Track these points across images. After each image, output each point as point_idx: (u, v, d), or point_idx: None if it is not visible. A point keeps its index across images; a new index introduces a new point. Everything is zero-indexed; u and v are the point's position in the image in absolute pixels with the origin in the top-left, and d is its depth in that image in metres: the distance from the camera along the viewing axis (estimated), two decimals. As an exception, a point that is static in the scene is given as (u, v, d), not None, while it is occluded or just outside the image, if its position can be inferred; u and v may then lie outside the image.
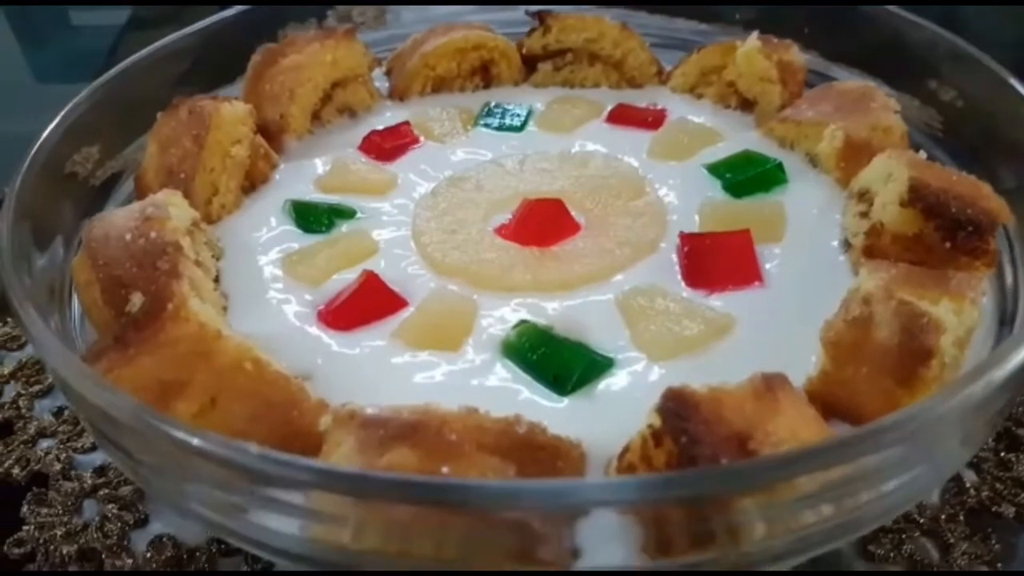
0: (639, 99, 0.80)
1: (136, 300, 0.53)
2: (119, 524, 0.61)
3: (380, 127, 0.76)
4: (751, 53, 0.74)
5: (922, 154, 0.61)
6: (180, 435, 0.40)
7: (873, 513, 0.43)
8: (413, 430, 0.44)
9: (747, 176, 0.67)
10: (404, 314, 0.58)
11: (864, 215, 0.60)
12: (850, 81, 0.72)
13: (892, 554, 0.58)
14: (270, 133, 0.74)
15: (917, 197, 0.55)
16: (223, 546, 0.59)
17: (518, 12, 0.85)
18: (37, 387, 0.72)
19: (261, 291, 0.60)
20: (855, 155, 0.65)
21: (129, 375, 0.48)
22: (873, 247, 0.58)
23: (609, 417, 0.50)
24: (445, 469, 0.42)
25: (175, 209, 0.60)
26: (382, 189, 0.70)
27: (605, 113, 0.79)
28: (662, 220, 0.65)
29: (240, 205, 0.69)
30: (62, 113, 0.65)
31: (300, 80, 0.74)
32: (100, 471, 0.65)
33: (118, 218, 0.58)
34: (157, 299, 0.50)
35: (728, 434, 0.42)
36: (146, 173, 0.67)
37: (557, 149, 0.73)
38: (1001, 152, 0.64)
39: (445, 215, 0.66)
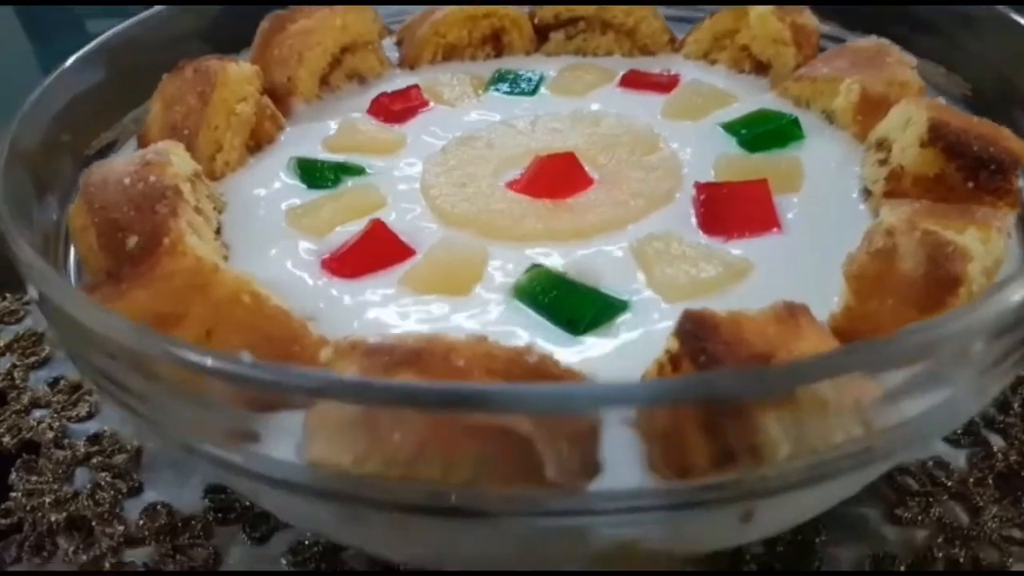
0: (652, 66, 0.79)
1: (132, 243, 0.52)
2: (112, 492, 0.59)
3: (389, 91, 0.75)
4: (765, 14, 0.73)
5: (940, 100, 0.60)
6: (188, 354, 0.38)
7: (897, 438, 0.41)
8: (418, 356, 0.42)
9: (763, 130, 0.66)
10: (411, 262, 0.56)
11: (883, 162, 0.59)
12: (865, 39, 0.70)
13: (920, 517, 0.56)
14: (277, 96, 0.72)
15: (938, 136, 0.53)
16: (219, 514, 0.57)
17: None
18: (33, 358, 0.71)
19: (263, 241, 0.59)
20: (872, 109, 0.64)
21: (122, 308, 0.46)
22: (894, 191, 0.56)
23: (624, 357, 0.48)
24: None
25: (176, 158, 0.59)
26: (391, 148, 0.69)
27: (617, 78, 0.77)
28: (677, 174, 0.63)
29: (244, 163, 0.67)
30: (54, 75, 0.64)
31: (309, 44, 0.73)
32: (94, 439, 0.64)
33: (117, 164, 0.57)
34: (153, 235, 0.48)
35: (749, 355, 0.40)
36: (149, 131, 0.66)
37: (569, 111, 0.72)
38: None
39: (455, 170, 0.64)
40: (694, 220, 0.59)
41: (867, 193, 0.60)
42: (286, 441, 0.40)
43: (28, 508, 0.58)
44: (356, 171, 0.66)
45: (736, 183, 0.60)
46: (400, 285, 0.54)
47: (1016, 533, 0.55)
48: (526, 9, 0.82)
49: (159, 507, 0.58)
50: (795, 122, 0.66)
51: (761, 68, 0.76)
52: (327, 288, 0.54)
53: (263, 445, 0.41)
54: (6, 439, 0.63)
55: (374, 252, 0.56)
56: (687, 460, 0.39)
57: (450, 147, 0.67)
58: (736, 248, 0.56)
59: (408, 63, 0.81)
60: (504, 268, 0.55)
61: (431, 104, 0.75)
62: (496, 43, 0.82)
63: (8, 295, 0.78)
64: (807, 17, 0.74)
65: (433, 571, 0.56)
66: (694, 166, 0.64)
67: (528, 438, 0.38)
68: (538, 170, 0.62)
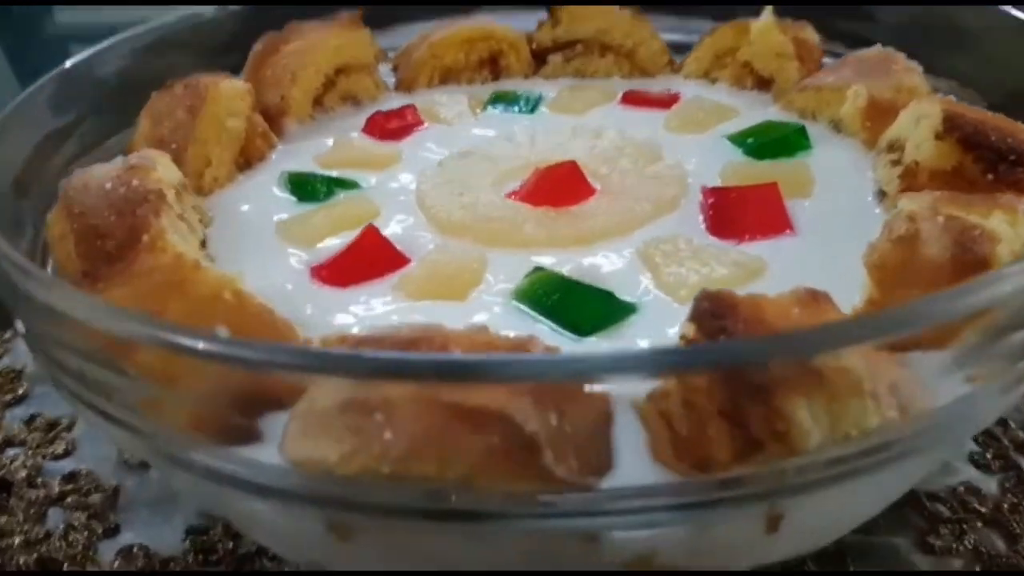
0: (652, 87, 0.78)
1: (111, 246, 0.49)
2: (86, 533, 0.55)
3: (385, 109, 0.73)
4: (766, 27, 0.71)
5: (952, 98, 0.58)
6: (168, 333, 0.34)
7: (929, 428, 0.37)
8: (413, 346, 0.39)
9: (769, 139, 0.64)
10: (405, 270, 0.53)
11: (896, 163, 0.56)
12: (869, 49, 0.69)
13: (955, 545, 0.52)
14: (270, 116, 0.71)
15: (953, 126, 0.51)
16: (201, 556, 0.53)
17: (526, 16, 0.83)
18: (10, 395, 0.68)
19: (250, 253, 0.56)
20: (880, 115, 0.62)
21: (99, 307, 0.43)
22: (910, 188, 0.53)
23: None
24: (450, 393, 0.36)
25: (162, 165, 0.56)
26: (386, 163, 0.66)
27: (618, 97, 0.76)
28: (682, 182, 0.60)
29: (233, 180, 0.65)
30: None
31: (303, 63, 0.72)
32: (70, 477, 0.60)
33: (99, 169, 0.55)
34: (132, 231, 0.46)
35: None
36: (135, 147, 0.64)
37: (569, 127, 0.70)
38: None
39: (452, 182, 0.62)
40: (702, 225, 0.56)
41: (882, 195, 0.57)
42: (274, 443, 0.37)
43: (-5, 549, 0.54)
44: (349, 185, 0.63)
45: (745, 187, 0.58)
46: (394, 291, 0.51)
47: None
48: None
49: (136, 549, 0.53)
50: (802, 131, 0.64)
51: (763, 84, 0.74)
52: (316, 296, 0.52)
53: (251, 448, 0.38)
54: (-24, 479, 0.60)
55: (367, 259, 0.53)
56: (707, 451, 0.36)
57: (447, 161, 0.65)
58: (748, 248, 0.53)
59: (404, 86, 0.79)
60: (504, 273, 0.52)
61: (427, 124, 0.73)
62: (494, 66, 0.81)
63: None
64: (809, 32, 0.73)
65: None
66: (700, 175, 0.62)
67: (532, 434, 0.35)
68: (539, 180, 0.60)
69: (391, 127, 0.71)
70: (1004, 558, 0.51)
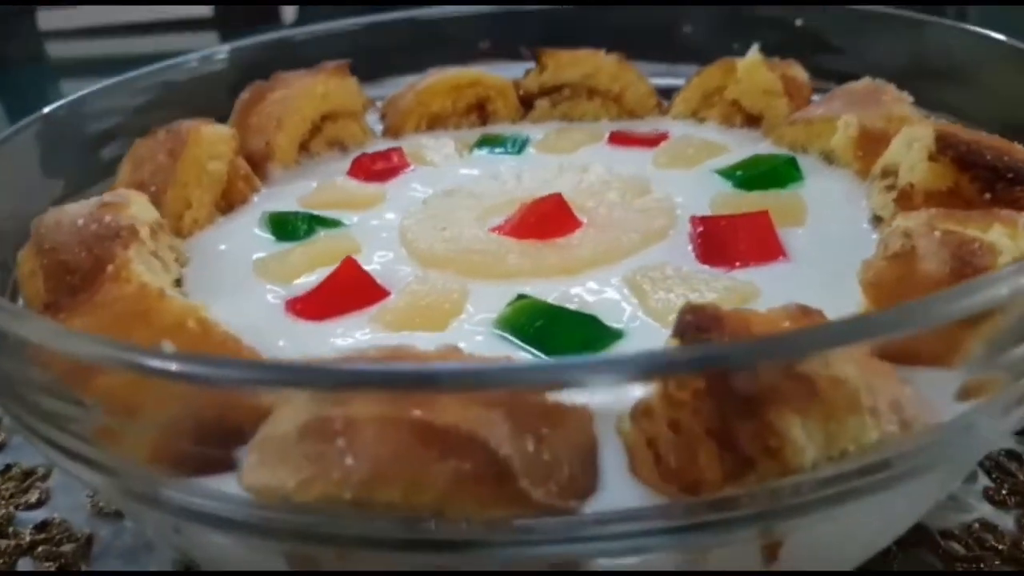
0: (641, 128, 0.77)
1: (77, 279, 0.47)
2: None
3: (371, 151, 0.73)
4: (754, 64, 0.71)
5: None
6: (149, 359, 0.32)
7: (932, 444, 0.35)
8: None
9: (759, 171, 0.62)
10: (384, 303, 0.51)
11: (891, 188, 0.55)
12: (857, 82, 0.68)
13: (973, 586, 0.49)
14: (255, 162, 0.70)
15: (946, 145, 0.50)
16: None
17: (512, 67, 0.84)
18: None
19: (225, 290, 0.54)
20: (872, 144, 0.60)
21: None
22: (906, 210, 0.51)
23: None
24: (417, 413, 0.34)
25: (136, 206, 0.55)
26: (370, 203, 0.65)
27: (606, 137, 0.75)
28: (671, 213, 0.59)
29: (214, 222, 0.64)
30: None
31: (288, 109, 0.72)
32: (42, 527, 0.57)
33: (73, 207, 0.54)
34: (98, 261, 0.44)
35: (759, 349, 0.34)
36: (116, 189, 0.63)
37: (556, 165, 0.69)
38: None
39: (435, 217, 0.60)
40: (692, 253, 0.54)
41: (878, 220, 0.55)
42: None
43: (-39, 603, 0.51)
44: (331, 224, 0.62)
45: (735, 215, 0.56)
46: (372, 323, 0.49)
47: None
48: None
49: (106, 598, 0.51)
50: (792, 162, 0.63)
51: (753, 121, 0.73)
52: (291, 329, 0.50)
53: (210, 479, 0.35)
54: (-54, 529, 0.57)
55: (344, 292, 0.51)
56: (696, 472, 0.33)
57: (431, 199, 0.64)
58: (740, 276, 0.51)
59: (392, 133, 0.79)
60: (486, 303, 0.50)
61: (413, 166, 0.72)
62: (481, 112, 0.80)
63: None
64: (797, 70, 0.73)
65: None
66: (689, 207, 0.60)
67: (505, 458, 0.32)
68: (524, 213, 0.58)
69: (376, 168, 0.70)
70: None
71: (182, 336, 0.41)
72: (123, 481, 0.37)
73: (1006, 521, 0.52)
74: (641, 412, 0.36)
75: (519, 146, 0.74)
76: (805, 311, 0.38)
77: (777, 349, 0.29)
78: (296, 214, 0.63)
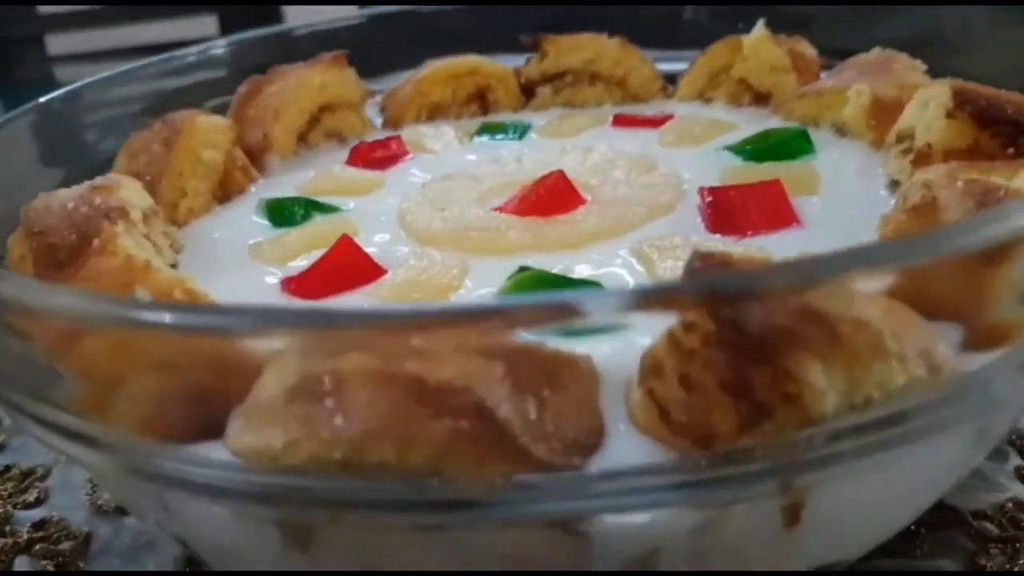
0: (646, 111, 0.75)
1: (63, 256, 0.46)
2: None
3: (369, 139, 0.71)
4: (760, 40, 0.69)
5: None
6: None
7: (962, 393, 0.32)
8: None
9: (770, 144, 0.61)
10: (381, 280, 0.50)
11: (908, 151, 0.53)
12: (868, 53, 0.66)
13: (1009, 565, 0.46)
14: (253, 154, 0.69)
15: (964, 101, 0.48)
16: None
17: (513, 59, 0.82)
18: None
19: (220, 273, 0.53)
20: (885, 113, 0.58)
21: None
22: (925, 171, 0.49)
23: (628, 356, 0.40)
24: (412, 366, 0.32)
25: (128, 191, 0.54)
26: (368, 189, 0.64)
27: (609, 120, 0.73)
28: (678, 188, 0.57)
29: (211, 211, 0.63)
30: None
31: (285, 102, 0.70)
32: (39, 525, 0.56)
33: (63, 192, 0.52)
34: (83, 237, 0.43)
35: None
36: (111, 182, 0.62)
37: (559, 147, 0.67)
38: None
39: (434, 200, 0.59)
40: (701, 225, 0.52)
41: (895, 185, 0.53)
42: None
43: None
44: (328, 209, 0.60)
45: (745, 185, 0.54)
46: (368, 299, 0.47)
47: None
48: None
49: (104, 597, 0.49)
50: (803, 134, 0.61)
51: (761, 99, 0.71)
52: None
53: (197, 446, 0.33)
54: (-56, 528, 0.56)
55: (340, 270, 0.50)
56: (709, 425, 0.31)
57: (431, 183, 0.62)
58: (752, 243, 0.49)
59: (391, 124, 0.77)
60: (487, 278, 0.48)
61: (412, 154, 0.70)
62: (482, 101, 0.79)
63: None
64: (805, 45, 0.71)
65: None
66: (696, 183, 0.57)
67: (504, 420, 0.30)
68: (526, 191, 0.56)
69: (375, 156, 0.68)
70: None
71: (168, 307, 0.39)
72: (109, 453, 0.35)
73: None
74: (649, 370, 0.34)
75: (521, 132, 0.72)
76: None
77: (791, 274, 0.26)
78: (293, 199, 0.61)
